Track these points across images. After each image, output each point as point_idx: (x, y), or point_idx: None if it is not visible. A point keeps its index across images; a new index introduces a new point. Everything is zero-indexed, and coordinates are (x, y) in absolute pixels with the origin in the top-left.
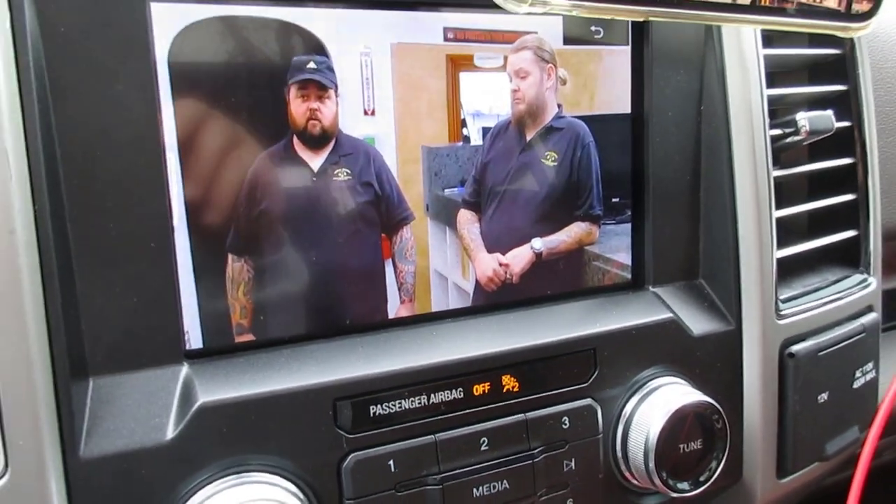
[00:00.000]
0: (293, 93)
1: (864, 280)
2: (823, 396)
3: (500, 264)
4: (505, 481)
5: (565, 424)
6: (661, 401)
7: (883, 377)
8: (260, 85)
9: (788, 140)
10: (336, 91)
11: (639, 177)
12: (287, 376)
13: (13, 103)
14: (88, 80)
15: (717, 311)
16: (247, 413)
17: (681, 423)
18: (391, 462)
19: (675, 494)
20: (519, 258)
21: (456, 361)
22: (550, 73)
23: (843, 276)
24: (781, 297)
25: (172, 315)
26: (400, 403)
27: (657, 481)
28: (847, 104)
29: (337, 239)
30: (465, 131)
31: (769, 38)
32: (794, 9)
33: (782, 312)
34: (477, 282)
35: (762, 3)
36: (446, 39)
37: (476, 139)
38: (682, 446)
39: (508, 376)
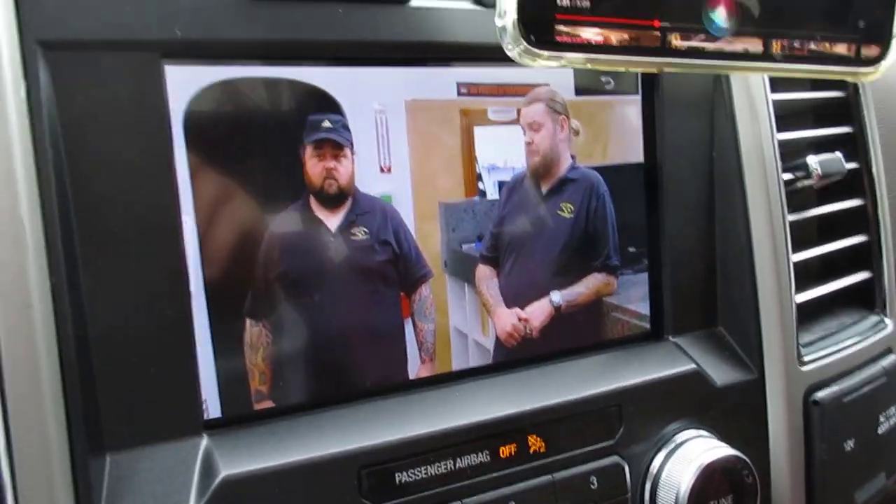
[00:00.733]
0: (309, 152)
1: (881, 322)
2: (850, 444)
3: (520, 319)
4: None
5: (593, 484)
6: (688, 456)
7: None
8: (275, 146)
9: (800, 184)
10: (352, 149)
11: (654, 226)
12: (310, 445)
13: (29, 173)
14: (104, 145)
15: (739, 359)
16: (271, 485)
17: (710, 479)
18: None
19: None
20: (538, 312)
21: (481, 423)
22: (563, 125)
23: (859, 319)
24: (801, 343)
25: (191, 385)
26: (426, 469)
27: None
28: (853, 146)
29: (356, 299)
30: (480, 185)
31: (774, 83)
32: (805, 56)
33: (804, 359)
34: (497, 338)
35: (774, 52)
36: (460, 94)
37: (492, 193)
38: (712, 503)
39: (535, 436)
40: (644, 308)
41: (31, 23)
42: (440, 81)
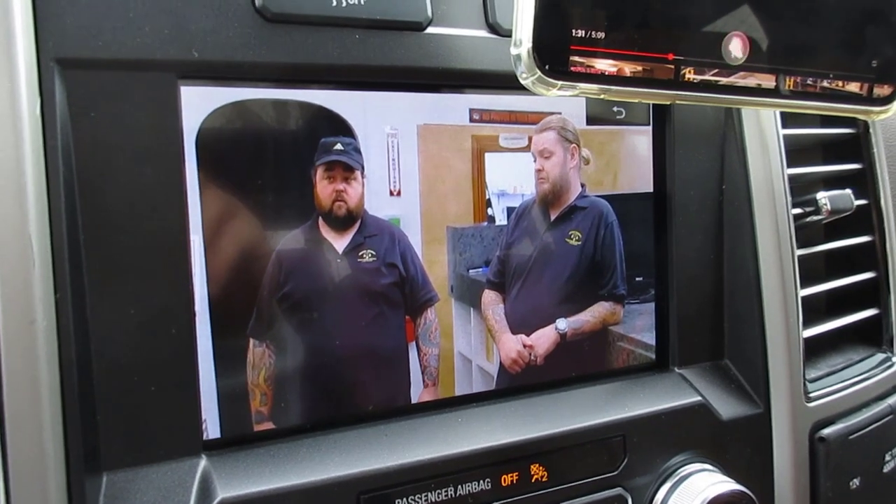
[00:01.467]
0: (320, 174)
1: (888, 360)
2: (855, 482)
3: (525, 346)
4: None
5: None
6: (693, 490)
7: None
8: (286, 167)
9: (809, 219)
10: (362, 172)
11: (662, 256)
12: (309, 469)
13: (40, 190)
14: (115, 163)
15: (745, 393)
16: None
17: None
18: None
19: None
20: (543, 339)
21: (483, 450)
22: (574, 153)
23: (865, 356)
24: (808, 378)
25: (191, 404)
26: (426, 496)
27: None
28: (862, 182)
29: (360, 322)
30: (489, 211)
31: (785, 118)
32: (817, 92)
33: (811, 394)
34: (501, 364)
35: (787, 87)
36: (472, 120)
37: (501, 219)
38: None
39: (537, 465)
40: (650, 338)
41: (48, 41)
42: (453, 107)
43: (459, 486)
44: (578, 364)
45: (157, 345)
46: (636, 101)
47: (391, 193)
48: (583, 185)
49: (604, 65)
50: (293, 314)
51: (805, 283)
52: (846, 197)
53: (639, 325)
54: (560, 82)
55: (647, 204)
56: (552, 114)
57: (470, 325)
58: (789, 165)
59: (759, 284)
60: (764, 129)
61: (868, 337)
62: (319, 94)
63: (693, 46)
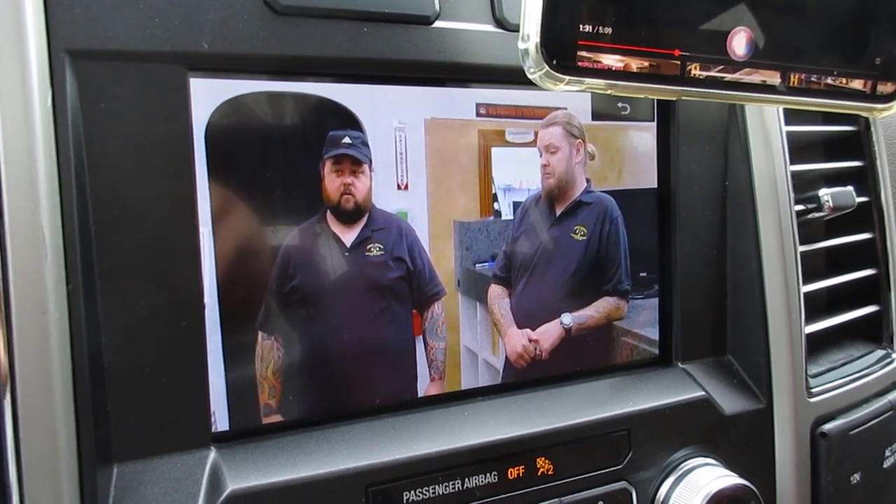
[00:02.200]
0: (328, 167)
1: (888, 356)
2: (856, 477)
3: (530, 340)
4: None
5: None
6: (696, 484)
7: None
8: (295, 160)
9: (811, 216)
10: (370, 166)
11: (666, 251)
12: (318, 461)
13: (51, 181)
14: (126, 154)
15: (748, 388)
16: (278, 501)
17: None
18: None
19: None
20: (548, 334)
21: (490, 444)
22: (579, 148)
23: (866, 352)
24: (809, 374)
25: (201, 397)
26: (433, 489)
27: None
28: (863, 179)
29: (368, 315)
30: (496, 206)
31: (787, 115)
32: (821, 90)
33: (812, 390)
34: (507, 358)
35: (791, 84)
36: (479, 115)
37: (507, 213)
38: None
39: (543, 459)
40: (653, 333)
41: (59, 32)
42: (460, 101)
43: (466, 480)
44: (583, 359)
45: (166, 337)
46: (642, 96)
47: (399, 187)
48: (588, 181)
49: (611, 60)
50: (301, 307)
51: (807, 279)
52: (848, 194)
53: (642, 321)
54: (567, 77)
55: (651, 200)
56: (558, 109)
57: (476, 319)
58: (792, 162)
59: (761, 280)
60: (767, 126)
61: (869, 333)
62: (328, 88)
63: (699, 43)
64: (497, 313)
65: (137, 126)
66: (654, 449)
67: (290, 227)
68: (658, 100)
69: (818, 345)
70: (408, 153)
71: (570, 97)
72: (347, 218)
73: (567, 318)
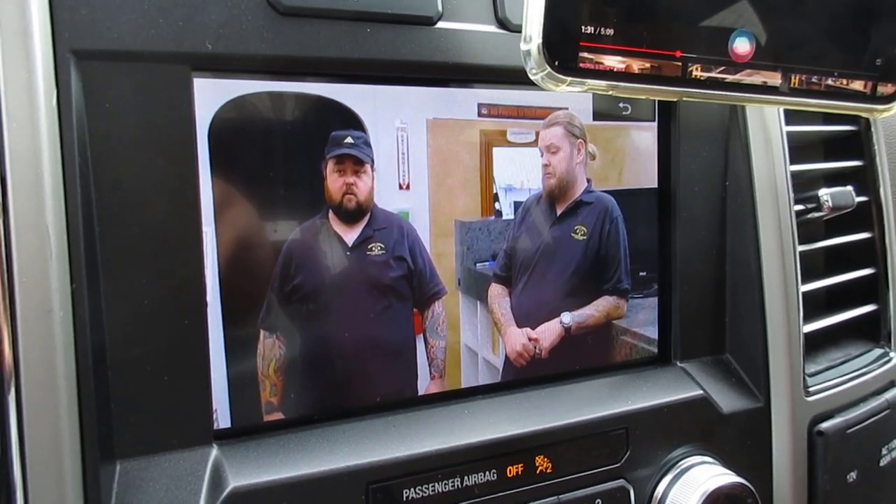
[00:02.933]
0: (330, 167)
1: (886, 355)
2: (853, 475)
3: (530, 339)
4: None
5: None
6: (693, 482)
7: None
8: (298, 160)
9: (811, 216)
10: (372, 166)
11: (665, 251)
12: (319, 459)
13: (56, 181)
14: (129, 154)
15: (745, 387)
16: (279, 498)
17: None
18: None
19: None
20: (548, 333)
21: (489, 442)
22: (580, 148)
23: (864, 351)
24: (807, 373)
25: (203, 394)
26: (433, 486)
27: None
28: (863, 179)
29: (369, 314)
30: (497, 205)
31: (788, 115)
32: (822, 91)
33: (810, 389)
34: (506, 357)
35: (792, 85)
36: (480, 115)
37: (508, 213)
38: None
39: (542, 457)
40: (652, 332)
41: (64, 32)
42: (462, 101)
43: (466, 477)
44: (582, 357)
45: (169, 335)
46: (643, 97)
47: (400, 187)
48: (588, 181)
49: (612, 61)
50: (303, 306)
51: (806, 278)
52: (847, 194)
53: (642, 320)
54: (569, 78)
55: (651, 199)
56: (559, 109)
57: (476, 318)
58: (792, 162)
59: (760, 280)
60: (768, 126)
61: (867, 332)
62: (330, 88)
63: (700, 44)
64: (497, 312)
65: (141, 126)
66: (652, 447)
67: (293, 225)
68: (659, 100)
69: (816, 343)
70: (409, 153)
71: (572, 97)
72: (349, 217)
73: (567, 317)
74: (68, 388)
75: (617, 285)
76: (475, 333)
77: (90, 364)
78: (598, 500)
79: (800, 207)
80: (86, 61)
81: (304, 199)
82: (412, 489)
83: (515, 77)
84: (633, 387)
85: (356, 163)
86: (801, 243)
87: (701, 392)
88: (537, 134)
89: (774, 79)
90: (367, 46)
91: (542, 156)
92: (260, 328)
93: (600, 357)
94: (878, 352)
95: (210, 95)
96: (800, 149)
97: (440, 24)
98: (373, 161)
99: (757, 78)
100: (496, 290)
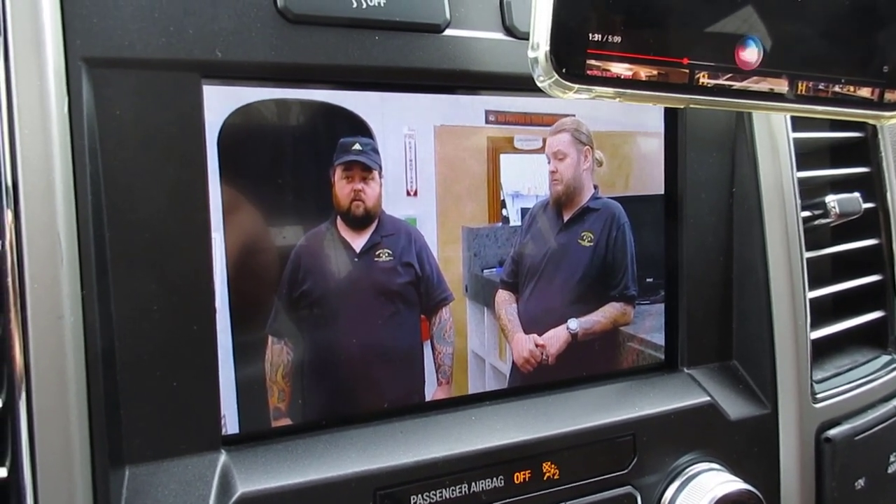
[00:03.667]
0: (338, 174)
1: (893, 361)
2: (860, 482)
3: (537, 345)
4: None
5: None
6: (701, 489)
7: None
8: (306, 166)
9: (817, 222)
10: (380, 172)
11: (672, 257)
12: (327, 465)
13: (68, 187)
14: (140, 161)
15: (753, 393)
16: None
17: None
18: None
19: None
20: (555, 339)
21: (497, 448)
22: (587, 155)
23: (871, 358)
24: (815, 379)
25: (211, 400)
26: (441, 493)
27: None
28: (869, 185)
29: (377, 320)
30: (504, 212)
31: (794, 122)
32: (829, 98)
33: (818, 395)
34: (513, 363)
35: (799, 93)
36: (488, 122)
37: (515, 220)
38: None
39: (549, 463)
40: (659, 339)
41: (76, 40)
42: (469, 108)
43: (473, 484)
44: (589, 364)
45: (178, 341)
46: (651, 104)
47: (408, 193)
48: (595, 187)
49: (620, 68)
50: (311, 312)
51: (813, 284)
52: (854, 200)
53: (648, 326)
54: (577, 85)
55: (658, 206)
56: (566, 116)
57: (483, 324)
58: (798, 168)
59: (767, 286)
60: (774, 133)
61: (874, 339)
62: (339, 95)
63: (707, 51)
64: (504, 318)
65: (151, 133)
66: (659, 454)
67: (301, 232)
68: (666, 107)
69: (824, 350)
70: (417, 160)
71: (579, 103)
72: (357, 224)
73: (574, 324)
74: (78, 394)
75: (624, 291)
76: (482, 340)
77: (100, 370)
78: None
79: (807, 214)
80: (97, 69)
81: (312, 206)
82: (419, 495)
83: (523, 84)
84: (640, 393)
85: (364, 169)
86: (807, 250)
87: (708, 398)
88: (544, 141)
89: (781, 86)
90: (376, 54)
91: (549, 162)
92: (268, 334)
93: (607, 363)
94: (885, 358)
95: (219, 102)
96: (807, 155)
97: (448, 32)
98: (381, 168)
99: (764, 85)
100: (503, 297)
